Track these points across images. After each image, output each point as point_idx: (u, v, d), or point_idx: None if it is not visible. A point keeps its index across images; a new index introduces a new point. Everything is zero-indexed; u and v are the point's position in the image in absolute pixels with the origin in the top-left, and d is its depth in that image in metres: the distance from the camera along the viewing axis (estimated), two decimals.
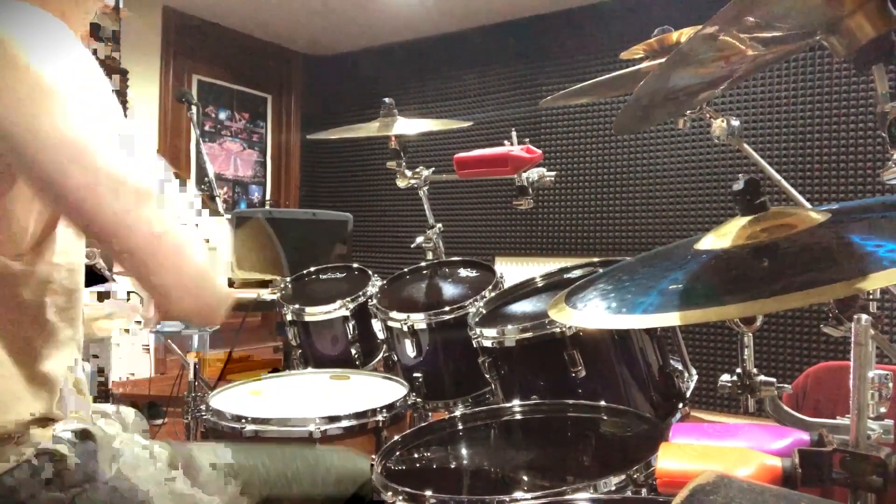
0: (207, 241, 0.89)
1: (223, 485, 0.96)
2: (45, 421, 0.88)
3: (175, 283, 0.83)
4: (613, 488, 0.87)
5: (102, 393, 2.41)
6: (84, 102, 0.79)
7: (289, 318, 1.99)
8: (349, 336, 1.91)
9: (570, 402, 1.23)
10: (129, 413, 1.26)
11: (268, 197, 5.20)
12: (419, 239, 2.05)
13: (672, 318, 0.68)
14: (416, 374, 1.70)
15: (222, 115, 4.91)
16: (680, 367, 1.42)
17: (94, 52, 1.04)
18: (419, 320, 1.66)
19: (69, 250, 0.91)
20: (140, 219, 0.80)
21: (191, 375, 2.23)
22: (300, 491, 1.02)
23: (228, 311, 0.91)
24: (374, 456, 1.04)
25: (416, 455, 1.12)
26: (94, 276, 1.22)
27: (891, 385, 0.70)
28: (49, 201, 0.83)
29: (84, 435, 0.90)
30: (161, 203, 0.82)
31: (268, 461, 1.03)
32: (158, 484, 0.91)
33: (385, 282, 1.97)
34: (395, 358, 1.78)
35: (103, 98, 0.82)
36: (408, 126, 2.09)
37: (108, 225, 0.79)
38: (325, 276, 2.23)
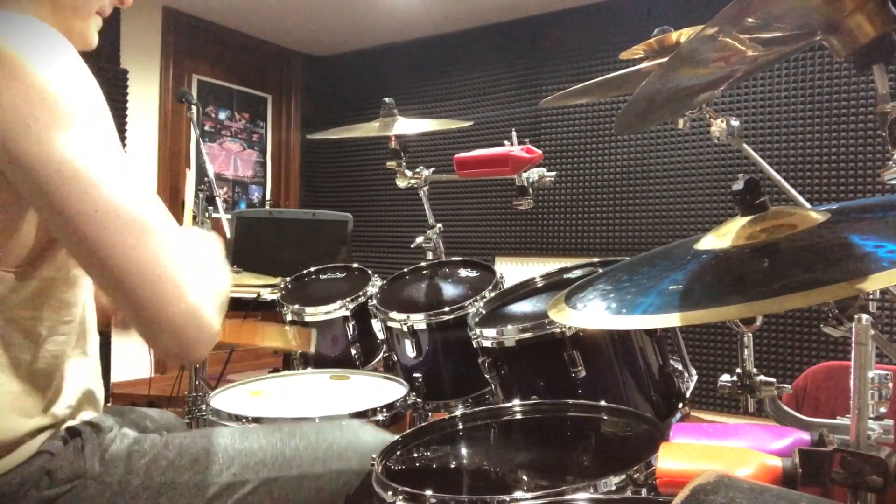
0: (205, 277, 0.84)
1: (219, 471, 0.95)
2: (45, 429, 0.87)
3: (166, 324, 0.78)
4: (613, 488, 0.87)
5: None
6: (89, 124, 0.76)
7: (289, 318, 1.99)
8: (349, 336, 1.91)
9: (570, 402, 1.23)
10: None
11: (268, 197, 5.20)
12: (419, 239, 2.05)
13: (672, 319, 0.68)
14: (415, 374, 1.70)
15: (222, 115, 4.91)
16: (680, 367, 1.42)
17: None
18: (419, 320, 1.66)
19: (70, 263, 0.88)
20: (143, 254, 0.77)
21: (191, 375, 2.23)
22: (301, 470, 0.99)
23: (209, 350, 0.85)
24: (374, 455, 1.04)
25: (416, 455, 1.12)
26: None
27: (891, 385, 0.70)
28: (51, 226, 0.79)
29: (73, 433, 0.89)
30: (162, 238, 0.79)
31: (264, 442, 1.00)
32: (149, 476, 0.90)
33: (385, 282, 1.96)
34: (395, 358, 1.77)
35: (105, 118, 0.79)
36: (408, 126, 2.09)
37: (110, 258, 0.76)
38: (325, 276, 2.23)
